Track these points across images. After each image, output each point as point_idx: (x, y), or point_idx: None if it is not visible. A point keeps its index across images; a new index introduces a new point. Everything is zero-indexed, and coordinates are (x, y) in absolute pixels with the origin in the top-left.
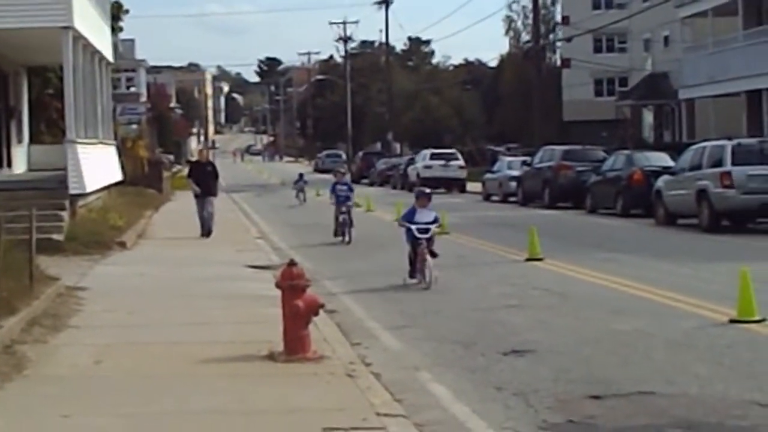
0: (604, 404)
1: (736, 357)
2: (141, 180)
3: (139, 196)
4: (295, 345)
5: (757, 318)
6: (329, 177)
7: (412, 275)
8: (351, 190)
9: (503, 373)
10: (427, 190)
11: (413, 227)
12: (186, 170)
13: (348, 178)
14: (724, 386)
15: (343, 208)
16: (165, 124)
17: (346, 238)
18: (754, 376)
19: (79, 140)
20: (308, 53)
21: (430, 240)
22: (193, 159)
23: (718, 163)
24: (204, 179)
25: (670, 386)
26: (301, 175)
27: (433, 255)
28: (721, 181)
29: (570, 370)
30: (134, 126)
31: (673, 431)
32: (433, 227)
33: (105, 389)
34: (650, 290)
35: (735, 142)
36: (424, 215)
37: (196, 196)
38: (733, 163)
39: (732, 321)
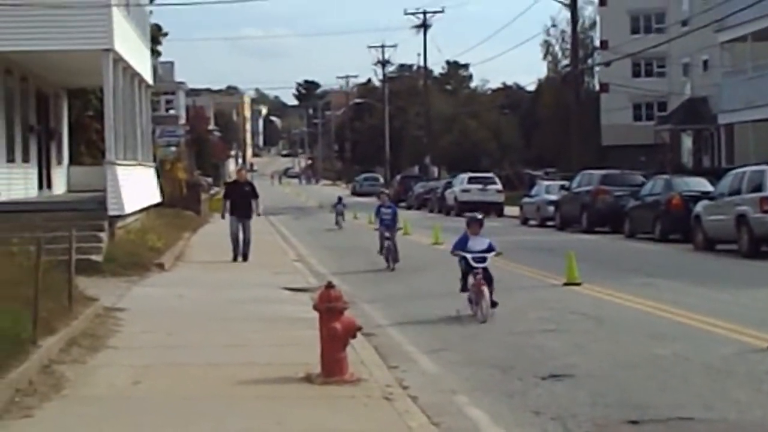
0: (642, 429)
1: None
2: (179, 202)
3: (177, 218)
4: (332, 367)
5: None
6: (367, 200)
7: (464, 289)
8: (395, 213)
9: (541, 398)
10: (479, 216)
11: (469, 256)
12: (222, 192)
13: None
14: (763, 412)
15: (387, 234)
16: (203, 147)
17: (391, 265)
18: None
19: (119, 162)
20: (347, 77)
21: (485, 270)
22: (231, 179)
23: (758, 188)
24: (242, 200)
25: (708, 412)
26: (339, 199)
27: (494, 304)
28: (760, 206)
29: (607, 394)
30: (173, 148)
31: None
32: (490, 256)
33: (143, 410)
34: (688, 315)
35: None
36: (477, 243)
37: (231, 214)
38: None
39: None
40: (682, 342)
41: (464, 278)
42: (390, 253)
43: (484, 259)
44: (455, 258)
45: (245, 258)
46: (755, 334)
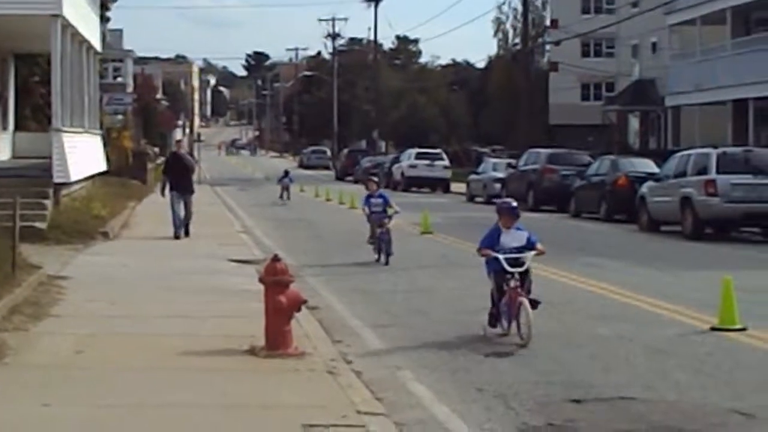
0: (584, 408)
1: (717, 365)
2: (125, 171)
3: (123, 187)
4: (276, 340)
5: (738, 326)
6: (314, 173)
7: (493, 322)
8: (387, 202)
9: (484, 375)
10: (515, 204)
11: (501, 257)
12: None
13: (382, 189)
14: (703, 394)
15: (380, 228)
16: (151, 116)
17: (382, 259)
18: (734, 385)
19: (65, 129)
20: (296, 49)
21: (525, 274)
22: (171, 151)
23: (703, 171)
24: (183, 175)
25: (650, 392)
26: (286, 172)
27: (534, 304)
28: (705, 189)
29: (551, 373)
30: (120, 116)
31: None
32: (530, 255)
33: (85, 379)
34: (633, 296)
35: (720, 150)
36: (511, 238)
37: (171, 190)
38: (718, 172)
39: (713, 329)
40: (626, 323)
41: (499, 291)
42: (383, 246)
43: (520, 262)
44: (401, 233)
45: (187, 232)
46: (697, 315)
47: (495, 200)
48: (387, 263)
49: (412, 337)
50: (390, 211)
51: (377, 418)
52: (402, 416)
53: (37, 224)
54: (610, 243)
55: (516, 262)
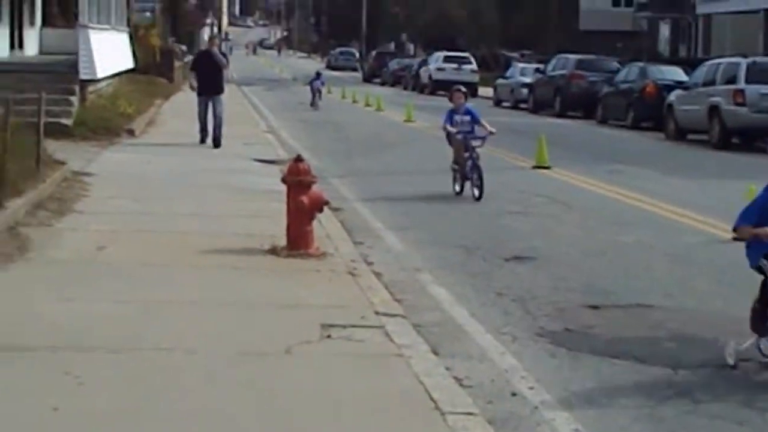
0: (602, 314)
1: (737, 275)
2: (152, 69)
3: (149, 85)
4: (297, 240)
5: None
6: (341, 75)
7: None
8: (476, 121)
9: (504, 279)
10: (462, 88)
11: (452, 129)
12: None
13: (470, 105)
14: (722, 302)
15: (467, 152)
16: (179, 14)
17: (476, 192)
18: (754, 295)
19: (92, 25)
20: None
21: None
22: (203, 49)
23: (732, 80)
24: (211, 73)
25: (668, 300)
26: (318, 74)
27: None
28: (733, 98)
29: (570, 279)
30: (148, 14)
31: (668, 344)
32: (479, 131)
33: (106, 275)
34: (656, 204)
35: (750, 60)
36: (461, 117)
37: (199, 94)
38: (747, 81)
39: (735, 239)
40: (647, 230)
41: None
42: (473, 174)
43: (473, 136)
44: (426, 136)
45: (216, 143)
46: (720, 225)
47: (521, 105)
48: (480, 198)
49: (433, 240)
50: (480, 131)
51: (395, 319)
52: (420, 318)
53: (63, 120)
54: (636, 151)
55: (467, 136)
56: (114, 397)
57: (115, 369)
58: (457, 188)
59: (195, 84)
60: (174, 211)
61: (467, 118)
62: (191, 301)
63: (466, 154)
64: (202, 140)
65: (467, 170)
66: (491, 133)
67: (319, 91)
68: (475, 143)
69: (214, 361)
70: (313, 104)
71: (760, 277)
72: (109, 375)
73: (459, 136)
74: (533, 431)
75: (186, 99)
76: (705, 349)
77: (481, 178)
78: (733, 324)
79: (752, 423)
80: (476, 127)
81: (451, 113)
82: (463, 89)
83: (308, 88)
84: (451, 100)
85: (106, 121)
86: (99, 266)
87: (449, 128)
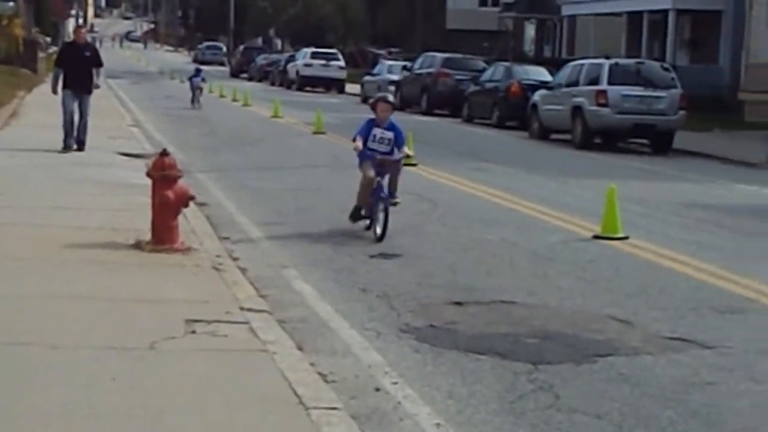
0: (466, 311)
1: (597, 272)
2: (15, 59)
3: (12, 76)
4: (162, 235)
5: (620, 235)
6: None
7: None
8: (401, 140)
9: (369, 275)
10: (390, 98)
11: (368, 152)
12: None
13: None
14: (583, 300)
15: (378, 177)
16: (42, 4)
17: (378, 231)
18: (613, 292)
19: None
20: None
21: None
22: (68, 41)
23: (595, 81)
24: (81, 69)
25: (531, 297)
26: (198, 71)
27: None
28: (596, 99)
29: (435, 275)
30: (11, 3)
31: (530, 340)
32: (397, 156)
33: None
34: (519, 202)
35: (612, 61)
36: (382, 132)
37: (65, 88)
38: (609, 83)
39: (596, 237)
40: (511, 228)
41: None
42: (378, 209)
43: (388, 162)
44: (293, 132)
45: (81, 146)
46: (582, 223)
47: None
48: (381, 239)
49: (299, 235)
50: (397, 155)
51: (260, 315)
52: (285, 314)
53: None
54: (500, 149)
55: (383, 162)
56: None
57: None
58: (367, 224)
59: (57, 85)
60: (37, 203)
61: (389, 135)
62: (54, 296)
63: (377, 179)
64: (67, 146)
65: (374, 200)
66: (408, 155)
67: (200, 89)
68: (389, 158)
69: (77, 356)
70: (193, 102)
71: (620, 275)
72: None
73: (369, 156)
74: (396, 426)
75: (50, 91)
76: (566, 345)
77: (386, 215)
78: (593, 320)
79: (610, 416)
80: (395, 150)
81: (371, 124)
82: (391, 99)
83: (184, 84)
84: (374, 109)
85: None
86: None
87: (359, 144)
